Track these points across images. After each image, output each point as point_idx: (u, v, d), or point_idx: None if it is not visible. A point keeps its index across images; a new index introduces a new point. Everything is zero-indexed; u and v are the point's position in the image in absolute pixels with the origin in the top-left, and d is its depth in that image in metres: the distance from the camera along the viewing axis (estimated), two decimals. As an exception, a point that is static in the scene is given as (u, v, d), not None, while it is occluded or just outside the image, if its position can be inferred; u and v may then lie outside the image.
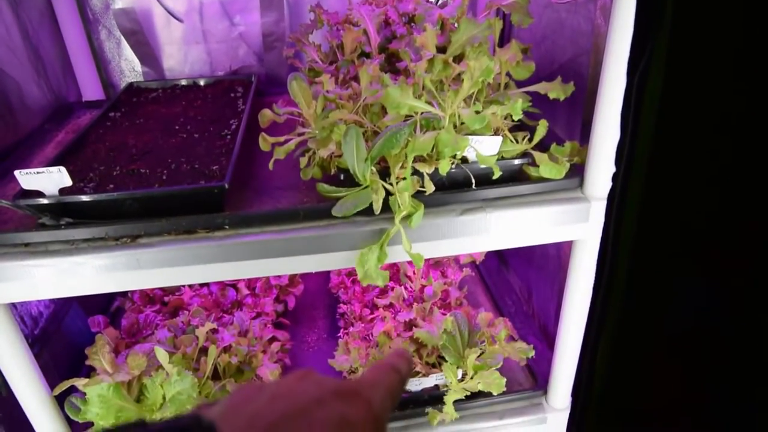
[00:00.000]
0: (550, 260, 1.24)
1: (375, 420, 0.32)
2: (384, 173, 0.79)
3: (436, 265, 1.32)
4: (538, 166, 0.85)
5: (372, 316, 1.16)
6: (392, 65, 0.98)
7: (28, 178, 0.73)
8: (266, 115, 0.87)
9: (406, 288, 1.21)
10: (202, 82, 1.28)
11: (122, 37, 1.29)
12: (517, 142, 0.87)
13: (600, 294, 0.93)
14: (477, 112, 0.78)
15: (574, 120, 1.08)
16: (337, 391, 0.32)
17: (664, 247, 0.61)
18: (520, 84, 0.97)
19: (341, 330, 1.22)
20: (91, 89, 1.31)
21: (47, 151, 1.09)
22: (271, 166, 0.84)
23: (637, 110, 0.28)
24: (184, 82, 1.28)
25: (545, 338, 1.25)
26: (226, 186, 0.78)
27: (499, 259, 1.51)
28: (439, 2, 1.34)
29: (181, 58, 1.32)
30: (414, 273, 1.24)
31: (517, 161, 0.86)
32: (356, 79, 0.92)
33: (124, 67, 1.34)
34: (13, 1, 1.11)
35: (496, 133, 0.87)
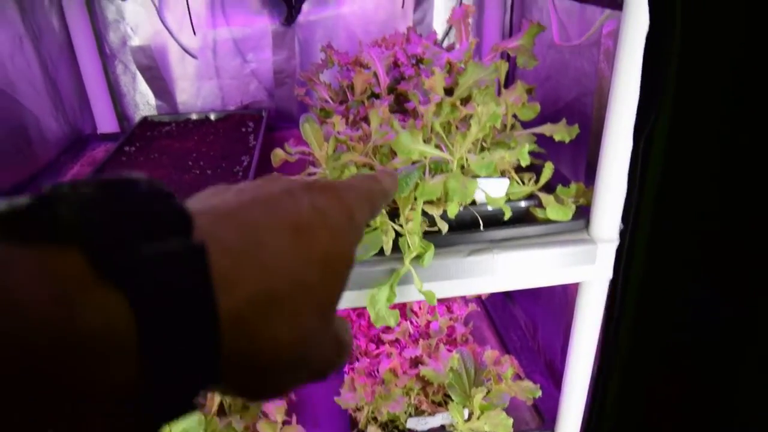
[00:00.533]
0: (556, 296, 1.25)
1: (348, 216, 0.29)
2: (393, 214, 0.81)
3: (441, 299, 1.32)
4: (544, 208, 0.86)
5: (378, 351, 1.16)
6: (400, 105, 1.01)
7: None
8: (278, 155, 0.89)
9: (411, 323, 1.22)
10: (213, 117, 1.30)
11: (138, 72, 1.32)
12: (524, 183, 0.89)
13: (608, 333, 0.93)
14: (484, 157, 0.79)
15: (579, 158, 1.10)
16: (309, 185, 0.30)
17: (671, 297, 0.62)
18: (525, 124, 0.99)
19: (347, 365, 1.22)
20: (106, 122, 1.34)
21: (62, 184, 1.11)
22: (282, 205, 0.85)
23: (643, 172, 0.29)
24: (196, 116, 1.31)
25: (551, 376, 1.25)
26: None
27: (505, 293, 1.52)
28: (446, 43, 1.38)
29: (194, 92, 1.35)
30: (420, 308, 1.24)
31: (524, 203, 0.87)
32: (366, 119, 0.94)
33: (138, 101, 1.37)
34: (35, 37, 1.15)
35: (502, 175, 0.88)
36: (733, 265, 0.54)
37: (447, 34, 1.39)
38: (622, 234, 0.39)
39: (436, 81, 0.89)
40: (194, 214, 0.22)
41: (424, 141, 0.82)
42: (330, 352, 0.29)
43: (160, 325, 0.19)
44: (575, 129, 0.93)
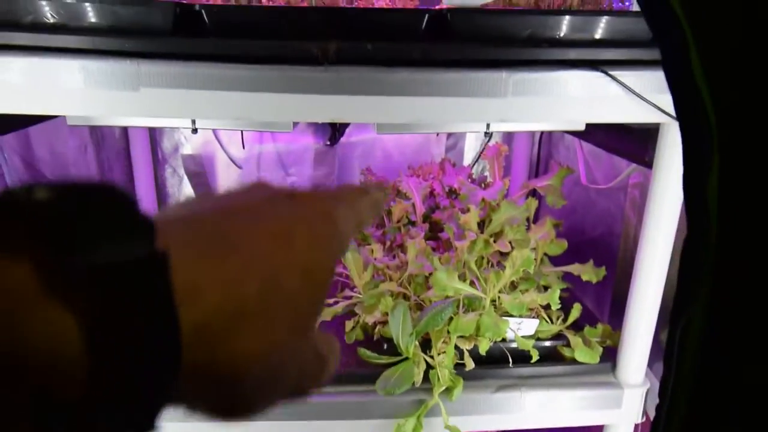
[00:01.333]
0: None
1: (332, 225, 0.27)
2: (425, 344, 0.83)
3: None
4: (572, 348, 0.88)
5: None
6: (434, 232, 1.06)
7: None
8: (317, 277, 0.93)
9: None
10: (251, 223, 1.37)
11: (185, 177, 1.41)
12: (552, 322, 0.92)
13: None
14: (517, 298, 0.83)
15: (604, 295, 1.13)
16: (292, 193, 0.28)
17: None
18: (552, 259, 1.03)
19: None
20: (148, 220, 1.40)
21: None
22: (317, 325, 0.88)
23: (679, 359, 0.32)
24: (235, 222, 1.37)
25: None
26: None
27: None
28: (475, 168, 1.46)
29: (235, 197, 1.42)
30: None
31: (552, 342, 0.89)
32: (402, 247, 0.99)
33: (181, 202, 1.45)
34: (98, 144, 1.24)
35: (531, 311, 0.91)
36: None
37: (476, 160, 1.47)
38: (658, 409, 0.40)
39: (471, 218, 0.95)
40: (162, 222, 0.21)
41: (459, 278, 0.86)
42: (310, 367, 0.27)
43: (110, 340, 0.17)
44: (602, 271, 0.97)
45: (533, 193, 1.14)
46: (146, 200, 1.40)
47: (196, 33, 0.67)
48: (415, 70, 0.68)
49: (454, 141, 1.47)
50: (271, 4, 0.74)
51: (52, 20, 0.65)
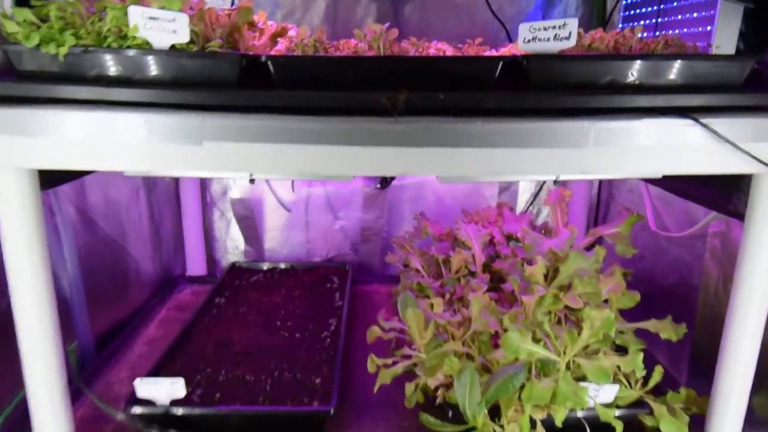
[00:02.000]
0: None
1: None
2: (493, 411, 0.77)
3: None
4: (654, 416, 0.80)
5: None
6: (495, 283, 1.00)
7: (145, 387, 0.75)
8: (374, 333, 0.89)
9: None
10: (299, 268, 1.34)
11: (233, 219, 1.39)
12: (630, 386, 0.84)
13: None
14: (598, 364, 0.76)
15: (680, 352, 1.04)
16: None
17: None
18: (623, 312, 0.96)
19: None
20: (195, 264, 1.39)
21: (150, 330, 1.13)
22: (375, 389, 0.83)
23: None
24: (283, 266, 1.34)
25: None
26: (332, 411, 0.77)
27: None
28: (529, 210, 1.40)
29: (282, 240, 1.40)
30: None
31: (632, 410, 0.81)
32: (463, 300, 0.94)
33: (228, 245, 1.43)
34: (149, 189, 1.24)
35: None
36: None
37: (531, 203, 1.41)
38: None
39: (538, 271, 0.89)
40: None
41: (532, 338, 0.79)
42: None
43: None
44: (682, 328, 0.89)
45: (599, 240, 1.08)
46: (193, 245, 1.39)
47: (262, 85, 0.65)
48: (490, 120, 0.64)
49: (508, 183, 1.42)
50: (337, 53, 0.71)
51: (116, 73, 0.64)
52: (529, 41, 0.65)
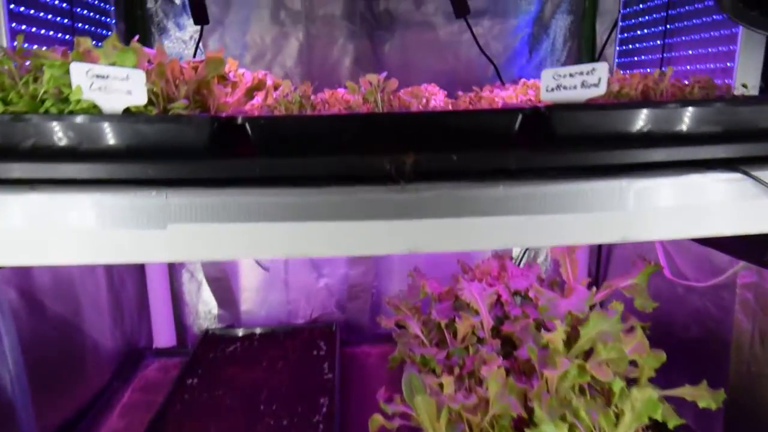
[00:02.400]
0: None
1: None
2: None
3: None
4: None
5: None
6: (506, 347, 0.89)
7: None
8: (377, 422, 0.76)
9: None
10: (280, 332, 1.21)
11: (204, 281, 1.26)
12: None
13: None
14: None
15: (711, 413, 0.95)
16: None
17: None
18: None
19: None
20: (163, 334, 1.24)
21: (112, 420, 0.99)
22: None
23: None
24: (262, 331, 1.21)
25: None
26: None
27: None
28: (524, 260, 1.31)
29: (260, 302, 1.27)
30: None
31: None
32: (474, 375, 0.82)
33: (200, 309, 1.29)
34: (107, 254, 1.10)
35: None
36: None
37: (527, 249, 1.32)
38: None
39: (557, 338, 0.79)
40: None
41: (561, 419, 0.69)
42: None
43: None
44: (721, 394, 0.79)
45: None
46: (161, 314, 1.25)
47: (239, 152, 0.54)
48: (512, 184, 0.54)
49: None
50: (328, 110, 0.61)
51: (57, 145, 0.52)
52: (552, 89, 0.56)
